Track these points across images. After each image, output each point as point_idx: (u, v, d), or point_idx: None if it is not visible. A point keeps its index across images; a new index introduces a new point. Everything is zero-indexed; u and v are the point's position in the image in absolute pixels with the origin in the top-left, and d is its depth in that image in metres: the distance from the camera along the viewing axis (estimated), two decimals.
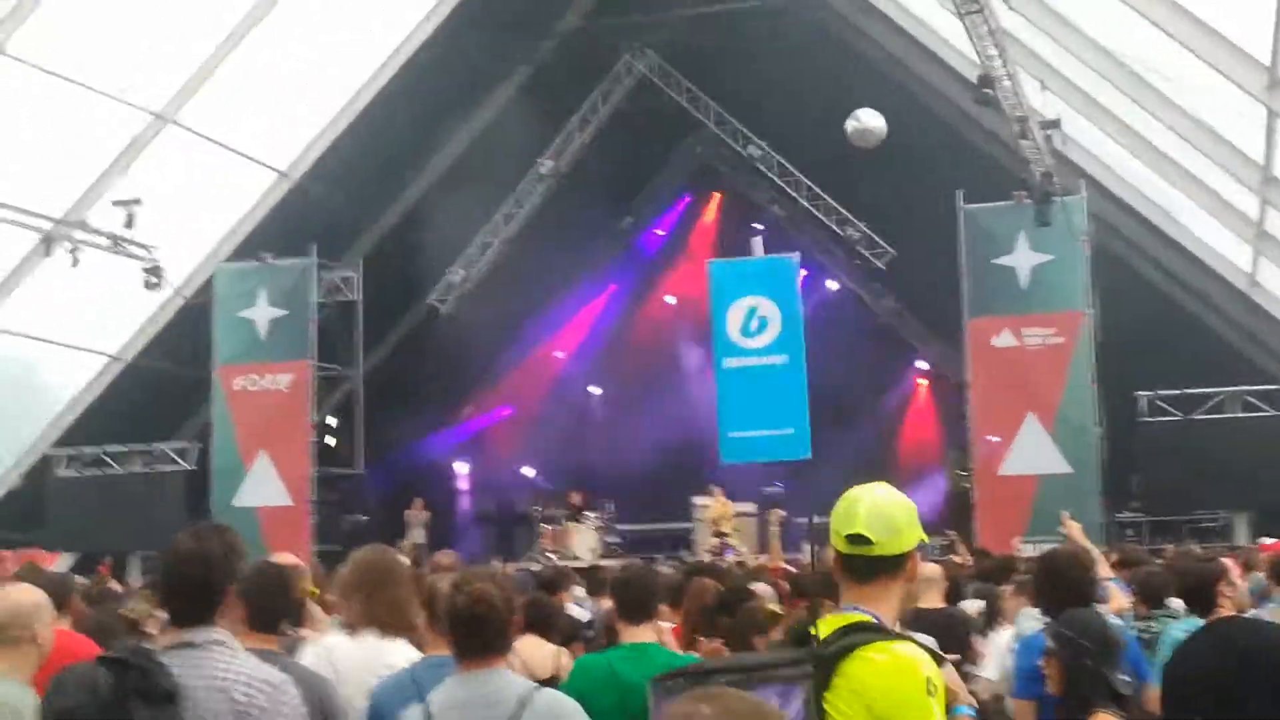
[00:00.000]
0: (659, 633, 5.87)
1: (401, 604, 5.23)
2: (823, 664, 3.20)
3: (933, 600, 8.19)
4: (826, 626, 3.35)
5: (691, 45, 23.97)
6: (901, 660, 3.23)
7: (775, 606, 6.34)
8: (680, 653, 6.03)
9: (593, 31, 24.11)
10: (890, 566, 3.45)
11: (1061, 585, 5.79)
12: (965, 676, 7.40)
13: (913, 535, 3.49)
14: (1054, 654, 4.98)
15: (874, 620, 3.35)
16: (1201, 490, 19.44)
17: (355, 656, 5.16)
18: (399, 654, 5.07)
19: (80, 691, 3.60)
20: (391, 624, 5.17)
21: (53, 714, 3.68)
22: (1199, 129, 17.03)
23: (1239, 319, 21.41)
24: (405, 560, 6.00)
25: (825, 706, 3.16)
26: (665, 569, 11.54)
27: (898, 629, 3.43)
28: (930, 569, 8.66)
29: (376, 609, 5.21)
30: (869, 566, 3.44)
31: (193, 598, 3.85)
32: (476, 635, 4.12)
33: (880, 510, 3.45)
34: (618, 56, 24.85)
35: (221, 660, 3.78)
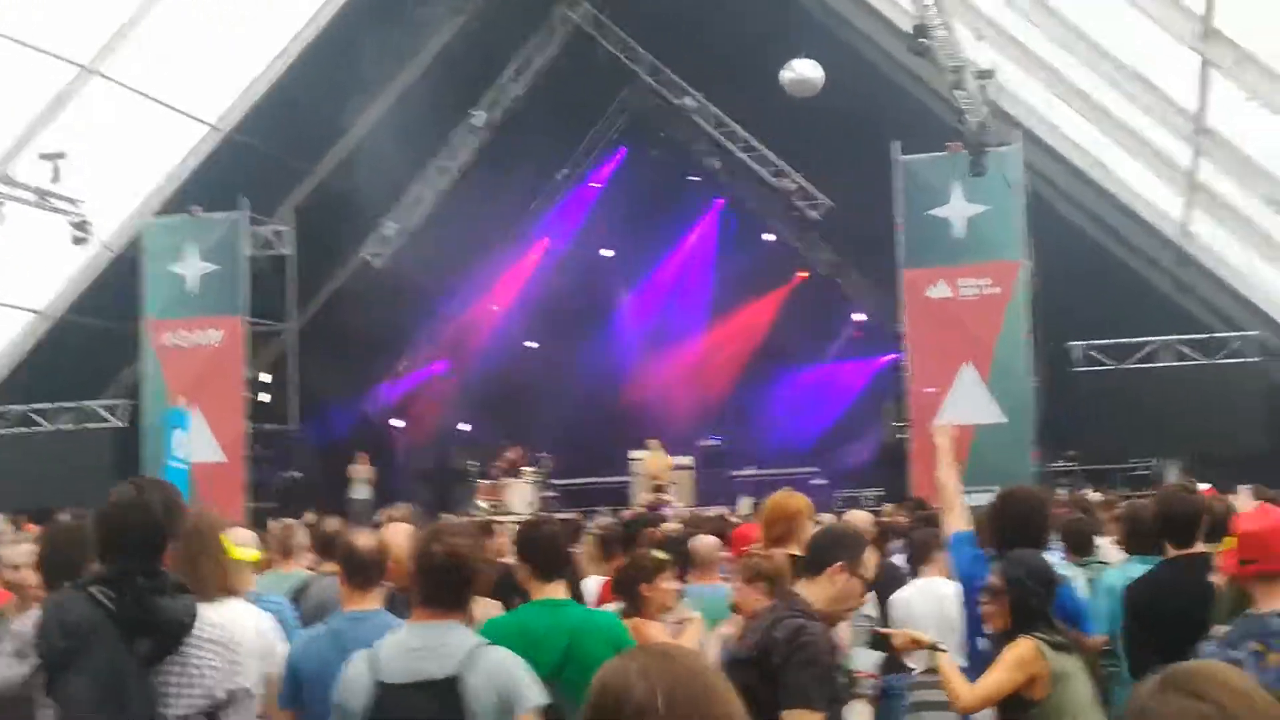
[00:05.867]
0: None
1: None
2: None
3: None
4: None
5: None
6: None
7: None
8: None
9: None
10: None
11: (1017, 527, 5.70)
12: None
13: None
14: (1000, 592, 5.04)
15: None
16: (1134, 438, 19.68)
17: None
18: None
19: (83, 613, 3.55)
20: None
21: (57, 627, 3.57)
22: (1132, 78, 17.06)
23: (1171, 268, 21.57)
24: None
25: None
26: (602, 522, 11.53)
27: None
28: (861, 517, 8.70)
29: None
30: None
31: (138, 550, 3.76)
32: (443, 587, 4.15)
33: None
34: (552, 6, 24.60)
35: None
